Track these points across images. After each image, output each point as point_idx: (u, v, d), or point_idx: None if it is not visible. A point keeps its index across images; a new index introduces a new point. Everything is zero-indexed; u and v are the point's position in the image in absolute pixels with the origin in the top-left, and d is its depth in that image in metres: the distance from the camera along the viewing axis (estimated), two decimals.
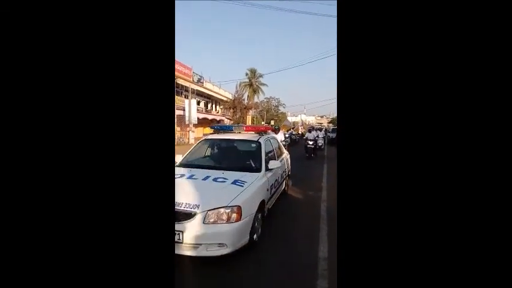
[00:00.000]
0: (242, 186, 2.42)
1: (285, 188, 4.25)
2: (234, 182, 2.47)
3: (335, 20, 0.84)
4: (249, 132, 3.84)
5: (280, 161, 3.72)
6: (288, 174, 4.60)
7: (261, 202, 2.57)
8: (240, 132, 3.81)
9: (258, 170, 2.94)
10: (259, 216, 2.61)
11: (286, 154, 4.61)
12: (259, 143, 3.33)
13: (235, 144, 3.63)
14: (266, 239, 2.66)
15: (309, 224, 3.19)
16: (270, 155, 3.57)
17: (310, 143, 9.21)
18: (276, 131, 7.51)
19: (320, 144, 11.52)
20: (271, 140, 3.89)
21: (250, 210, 2.29)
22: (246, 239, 2.23)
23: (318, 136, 10.36)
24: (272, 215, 3.27)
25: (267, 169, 3.01)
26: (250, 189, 2.45)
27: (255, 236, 2.43)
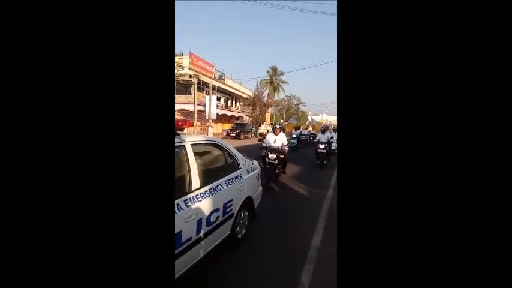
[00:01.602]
0: None
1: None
2: None
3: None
4: None
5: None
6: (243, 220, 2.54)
7: None
8: None
9: None
10: None
11: (236, 178, 2.34)
12: None
13: None
14: None
15: None
16: None
17: (321, 146, 7.39)
18: (277, 130, 5.40)
19: (334, 148, 9.63)
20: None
21: None
22: None
23: (332, 138, 8.42)
24: None
25: None
26: None
27: None
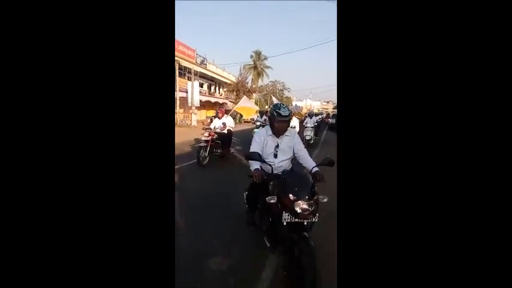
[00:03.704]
0: None
1: None
2: None
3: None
4: None
5: None
6: None
7: None
8: None
9: None
10: None
11: None
12: None
13: None
14: None
15: None
16: None
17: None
18: (283, 124, 1.86)
19: (308, 138, 8.12)
20: None
21: None
22: None
23: (305, 125, 6.61)
24: None
25: None
26: None
27: None
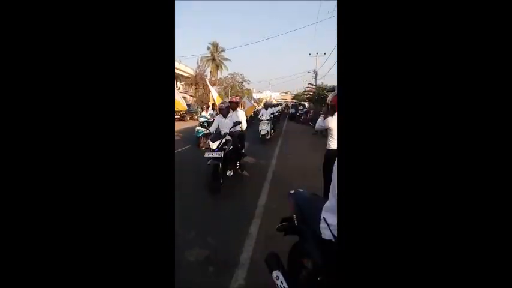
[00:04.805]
0: None
1: None
2: None
3: None
4: None
5: None
6: None
7: None
8: None
9: None
10: None
11: None
12: None
13: None
14: None
15: None
16: None
17: (214, 146, 3.65)
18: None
19: (264, 133, 7.75)
20: None
21: None
22: None
23: (239, 124, 4.29)
24: None
25: None
26: None
27: None
